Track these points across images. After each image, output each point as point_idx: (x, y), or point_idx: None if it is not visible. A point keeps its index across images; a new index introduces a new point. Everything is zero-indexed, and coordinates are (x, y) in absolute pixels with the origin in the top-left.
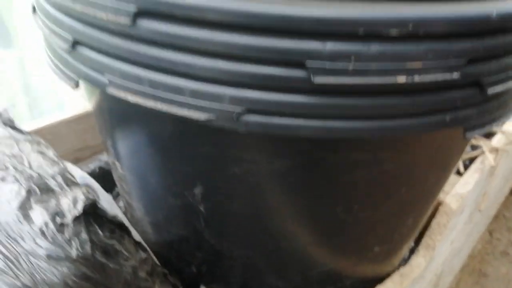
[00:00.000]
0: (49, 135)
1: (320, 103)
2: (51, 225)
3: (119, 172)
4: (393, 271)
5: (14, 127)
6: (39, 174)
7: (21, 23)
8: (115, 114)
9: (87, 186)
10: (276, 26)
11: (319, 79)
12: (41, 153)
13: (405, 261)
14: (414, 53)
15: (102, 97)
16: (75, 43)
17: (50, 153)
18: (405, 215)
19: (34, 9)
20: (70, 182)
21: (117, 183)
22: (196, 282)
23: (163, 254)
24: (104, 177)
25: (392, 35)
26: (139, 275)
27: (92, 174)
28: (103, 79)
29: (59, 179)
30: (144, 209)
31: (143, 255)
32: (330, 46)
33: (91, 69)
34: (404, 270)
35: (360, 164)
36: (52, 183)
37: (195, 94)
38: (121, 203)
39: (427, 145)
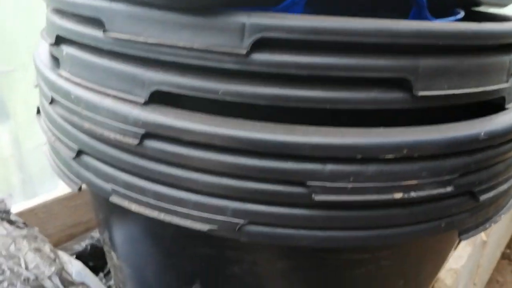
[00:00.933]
0: (43, 214)
1: (320, 216)
2: None
3: (115, 261)
4: None
5: (10, 221)
6: (36, 276)
7: (19, 99)
8: (115, 214)
9: (84, 284)
10: (279, 151)
11: (320, 197)
12: (38, 250)
13: None
14: (410, 172)
15: (98, 197)
16: (80, 152)
17: (47, 248)
18: None
19: (38, 111)
20: (67, 283)
21: (111, 269)
22: None
23: None
24: (96, 255)
25: (388, 158)
26: None
27: (84, 252)
28: (107, 187)
29: (56, 280)
30: None
31: None
32: (329, 167)
33: (95, 176)
34: None
35: (359, 263)
36: (49, 285)
37: (198, 206)
38: (112, 281)
39: (422, 245)
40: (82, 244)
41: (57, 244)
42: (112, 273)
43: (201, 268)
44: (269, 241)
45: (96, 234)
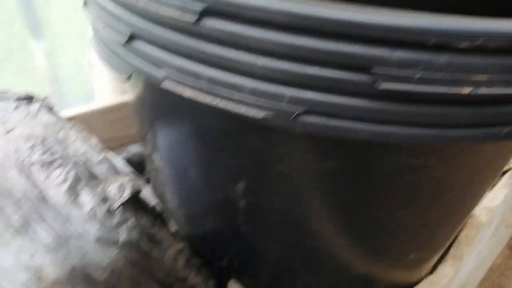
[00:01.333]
0: (80, 124)
1: (381, 108)
2: (99, 210)
3: (156, 164)
4: (421, 279)
5: (56, 114)
6: (85, 161)
7: (55, 14)
8: (161, 107)
9: (131, 173)
10: (346, 31)
11: (384, 85)
12: (86, 140)
13: (430, 271)
14: (482, 65)
15: (149, 90)
16: (131, 37)
17: (94, 140)
18: (445, 223)
19: (85, 2)
20: (115, 170)
21: (151, 175)
22: (226, 275)
23: (195, 246)
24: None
25: (461, 47)
26: (178, 265)
27: None
28: (160, 73)
29: (104, 166)
30: (179, 202)
31: (180, 245)
32: (398, 53)
33: (147, 63)
34: (432, 278)
35: (410, 169)
36: (98, 170)
37: (254, 92)
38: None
39: (477, 155)
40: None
41: None
42: (152, 178)
43: (248, 165)
44: (324, 133)
45: (132, 148)
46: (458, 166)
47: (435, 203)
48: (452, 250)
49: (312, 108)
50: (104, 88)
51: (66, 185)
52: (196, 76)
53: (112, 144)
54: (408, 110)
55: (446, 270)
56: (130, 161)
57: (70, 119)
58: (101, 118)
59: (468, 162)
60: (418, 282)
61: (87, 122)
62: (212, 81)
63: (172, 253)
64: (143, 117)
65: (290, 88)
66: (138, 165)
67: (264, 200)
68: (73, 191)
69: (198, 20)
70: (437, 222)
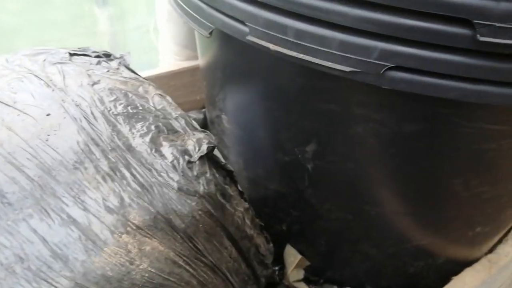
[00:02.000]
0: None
1: (477, 64)
2: (181, 161)
3: (224, 126)
4: (480, 257)
5: (133, 71)
6: (164, 115)
7: None
8: (237, 66)
9: (206, 131)
10: None
11: (486, 39)
12: (163, 96)
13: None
14: None
15: (227, 47)
16: None
17: (169, 98)
18: None
19: None
20: (192, 126)
21: (216, 137)
22: (283, 239)
23: (255, 210)
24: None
25: None
26: (245, 222)
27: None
28: (244, 27)
29: (182, 122)
30: (244, 164)
31: (246, 204)
32: (504, 5)
33: (231, 17)
34: (492, 256)
35: (493, 135)
36: (176, 125)
37: (343, 45)
38: None
39: None
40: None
41: None
42: (217, 139)
43: (321, 126)
44: (413, 89)
45: (192, 114)
46: None
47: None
48: None
49: (403, 63)
50: (167, 54)
51: (148, 137)
52: (283, 29)
53: (188, 107)
54: (506, 67)
55: (506, 249)
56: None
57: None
58: (164, 83)
59: None
60: (477, 259)
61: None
62: (299, 34)
63: (241, 210)
64: (215, 78)
65: (381, 41)
66: None
67: (334, 164)
68: (155, 142)
69: None
70: (510, 194)
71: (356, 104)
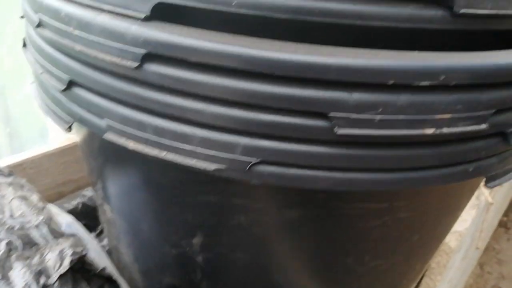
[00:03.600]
0: (31, 169)
1: (342, 154)
2: (36, 285)
3: (108, 215)
4: None
5: None
6: (21, 225)
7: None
8: (110, 157)
9: (76, 236)
10: (300, 74)
11: (343, 131)
12: (25, 198)
13: None
14: (444, 104)
15: (95, 138)
16: (71, 83)
17: (34, 198)
18: (415, 261)
19: (24, 44)
20: (56, 233)
21: (103, 225)
22: None
23: None
24: (88, 214)
25: (422, 85)
26: None
27: (75, 211)
28: (101, 123)
29: (44, 229)
30: (133, 256)
31: None
32: (356, 96)
33: (88, 112)
34: None
35: (375, 214)
36: (36, 235)
37: (204, 142)
38: (105, 241)
39: (444, 193)
40: (73, 203)
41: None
42: (105, 229)
43: (203, 218)
44: (283, 183)
45: (87, 192)
46: (424, 206)
47: (403, 244)
48: (424, 280)
49: (268, 158)
50: (57, 129)
51: None
52: (141, 126)
53: (66, 188)
54: (370, 154)
55: None
56: (86, 206)
57: (22, 163)
58: (54, 161)
59: (435, 201)
60: None
61: (40, 165)
62: (158, 131)
63: None
64: (91, 165)
65: (243, 137)
66: (95, 209)
67: (224, 255)
68: (3, 266)
69: (140, 65)
70: (407, 262)
71: (234, 196)
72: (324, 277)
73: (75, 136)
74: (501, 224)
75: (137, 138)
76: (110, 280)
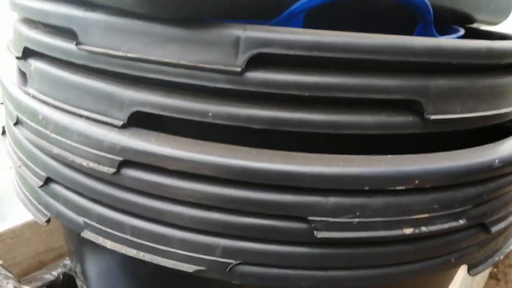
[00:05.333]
0: (11, 240)
1: (322, 254)
2: None
3: None
4: None
5: None
6: None
7: None
8: (89, 249)
9: None
10: (277, 181)
11: (322, 234)
12: None
13: None
14: (420, 205)
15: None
16: (48, 180)
17: (10, 286)
18: None
19: (3, 131)
20: None
21: None
22: None
23: None
24: (69, 285)
25: (397, 189)
26: None
27: (56, 282)
28: (79, 220)
29: None
30: None
31: None
32: (333, 200)
33: (66, 208)
34: None
35: None
36: None
37: (183, 244)
38: None
39: (428, 279)
40: (54, 273)
41: (26, 273)
42: None
43: None
44: (264, 284)
45: (69, 261)
46: None
47: None
48: None
49: (249, 259)
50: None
51: None
52: (119, 226)
53: (48, 257)
54: (350, 254)
55: None
56: (67, 275)
57: (3, 234)
58: (35, 230)
59: (420, 286)
60: None
61: (21, 235)
62: (136, 232)
63: None
64: (71, 250)
65: (223, 239)
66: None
67: None
68: None
69: (117, 171)
70: None
71: None
72: None
73: None
74: (492, 276)
75: (115, 237)
76: None
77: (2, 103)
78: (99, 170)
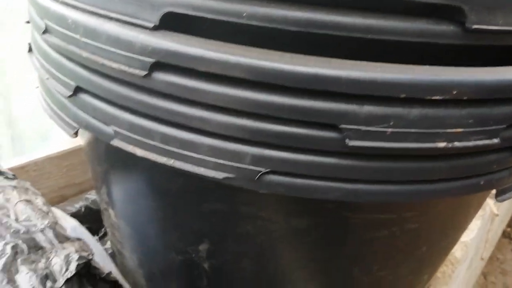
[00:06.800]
0: (34, 172)
1: (352, 166)
2: None
3: (112, 220)
4: None
5: None
6: (27, 228)
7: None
8: (116, 163)
9: (80, 240)
10: (311, 86)
11: (354, 143)
12: (29, 202)
13: None
14: (456, 118)
15: (103, 144)
16: (77, 89)
17: (39, 201)
18: (422, 272)
19: (30, 49)
20: (62, 237)
21: (107, 229)
22: None
23: None
24: (91, 217)
25: (434, 99)
26: None
27: (78, 214)
28: (108, 130)
29: (50, 233)
30: (138, 261)
31: None
32: (367, 108)
33: (95, 118)
34: None
35: (384, 224)
36: (41, 239)
37: (212, 151)
38: (108, 244)
39: (453, 205)
40: (76, 206)
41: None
42: (109, 233)
43: (210, 226)
44: (292, 193)
45: (90, 196)
46: (433, 218)
47: (411, 255)
48: None
49: (278, 168)
50: (60, 132)
51: (2, 262)
52: (149, 134)
53: (69, 191)
54: (380, 167)
55: None
56: (89, 209)
57: (25, 166)
58: (57, 164)
59: (444, 213)
60: None
61: (43, 168)
62: (166, 139)
63: None
64: (96, 170)
65: (252, 147)
66: (98, 212)
67: (229, 262)
68: (9, 270)
69: (149, 74)
70: (414, 272)
71: (241, 204)
72: (328, 286)
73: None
74: (505, 235)
75: (145, 145)
76: (115, 284)
77: (28, 22)
78: (130, 73)
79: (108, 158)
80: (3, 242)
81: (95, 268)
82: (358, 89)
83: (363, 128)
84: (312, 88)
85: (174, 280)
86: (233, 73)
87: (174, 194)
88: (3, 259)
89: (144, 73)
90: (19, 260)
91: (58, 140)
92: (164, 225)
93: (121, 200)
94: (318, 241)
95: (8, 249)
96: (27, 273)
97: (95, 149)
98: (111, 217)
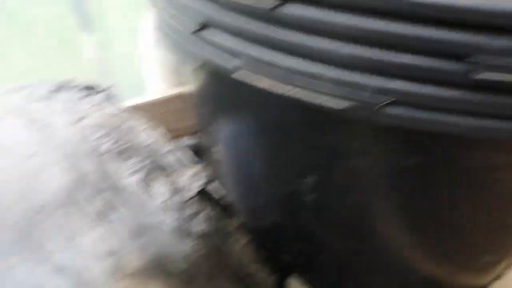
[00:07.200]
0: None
1: (478, 100)
2: (173, 201)
3: (218, 157)
4: (488, 284)
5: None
6: (155, 151)
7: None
8: (228, 99)
9: (200, 163)
10: (440, 15)
11: (484, 75)
12: (153, 129)
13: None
14: None
15: (216, 81)
16: (204, 25)
17: (161, 130)
18: None
19: None
20: (185, 161)
21: (210, 166)
22: (286, 271)
23: (255, 240)
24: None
25: None
26: (246, 260)
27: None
28: (233, 63)
29: (174, 157)
30: (240, 196)
31: (245, 240)
32: (499, 41)
33: (220, 51)
34: (501, 283)
35: (497, 166)
36: (168, 160)
37: (335, 81)
38: None
39: None
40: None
41: None
42: (212, 168)
43: (320, 160)
44: (412, 126)
45: (186, 141)
46: None
47: None
48: None
49: (399, 99)
50: (156, 80)
51: (139, 175)
52: (274, 65)
53: (179, 134)
54: (508, 103)
55: None
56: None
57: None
58: (154, 111)
59: None
60: (485, 286)
61: (140, 115)
62: (291, 70)
63: (240, 247)
64: (205, 109)
65: (375, 77)
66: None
67: (335, 197)
68: (146, 181)
69: (277, 6)
70: None
71: (354, 139)
72: (432, 232)
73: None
74: None
75: (269, 76)
76: (229, 208)
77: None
78: (259, 6)
79: (224, 95)
80: (138, 159)
81: (214, 191)
82: (492, 18)
83: (494, 61)
84: (441, 18)
85: (275, 212)
86: (359, 2)
87: (288, 128)
88: (141, 172)
89: (274, 4)
90: (153, 175)
91: (154, 89)
92: (273, 159)
93: (231, 136)
94: (429, 182)
95: (143, 165)
96: (162, 184)
97: (211, 88)
98: (216, 154)
